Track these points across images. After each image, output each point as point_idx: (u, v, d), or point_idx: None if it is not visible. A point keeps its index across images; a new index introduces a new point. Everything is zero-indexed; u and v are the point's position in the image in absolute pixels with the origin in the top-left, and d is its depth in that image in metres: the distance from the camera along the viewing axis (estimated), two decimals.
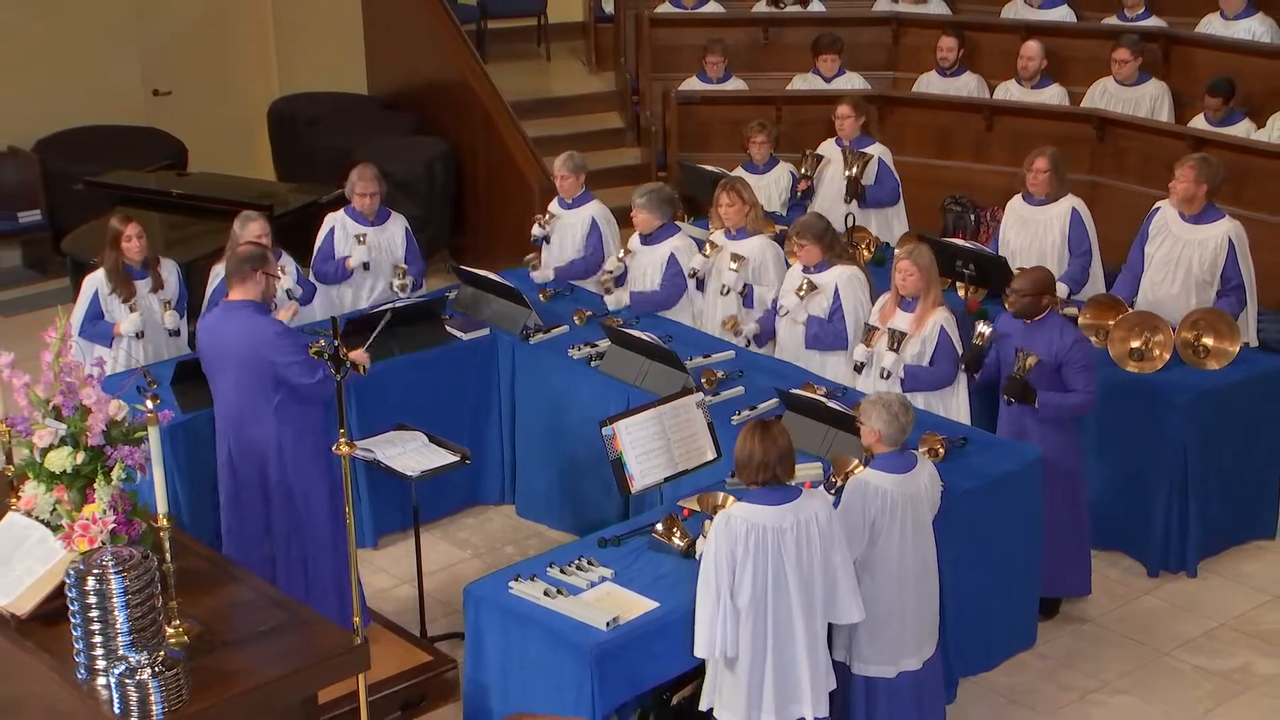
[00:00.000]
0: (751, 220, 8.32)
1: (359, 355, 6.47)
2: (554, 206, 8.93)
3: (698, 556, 5.83)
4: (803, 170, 9.63)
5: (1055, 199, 8.43)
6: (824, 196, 9.55)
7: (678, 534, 6.09)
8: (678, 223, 8.68)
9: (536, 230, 8.88)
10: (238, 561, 6.59)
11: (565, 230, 8.82)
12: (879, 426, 5.95)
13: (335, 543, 6.65)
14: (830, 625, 5.81)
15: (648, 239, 8.43)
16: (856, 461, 6.22)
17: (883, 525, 5.90)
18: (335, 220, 8.66)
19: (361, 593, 6.35)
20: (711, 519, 5.84)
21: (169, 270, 8.06)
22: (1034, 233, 8.48)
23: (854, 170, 9.26)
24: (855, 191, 9.29)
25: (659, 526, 6.15)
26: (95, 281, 7.88)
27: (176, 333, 8.03)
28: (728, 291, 8.15)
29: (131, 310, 7.82)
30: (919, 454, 6.17)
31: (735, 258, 8.15)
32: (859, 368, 7.44)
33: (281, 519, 6.64)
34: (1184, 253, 8.01)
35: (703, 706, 5.74)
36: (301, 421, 6.54)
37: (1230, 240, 7.93)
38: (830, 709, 5.84)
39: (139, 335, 7.82)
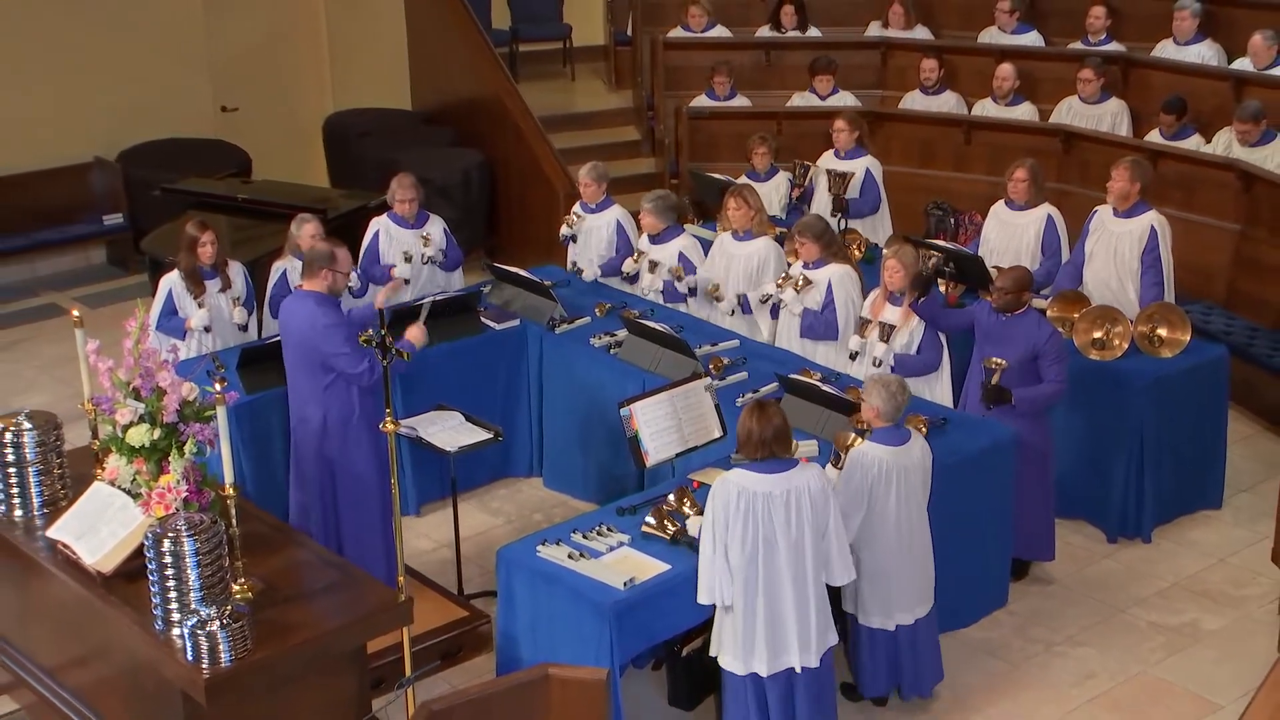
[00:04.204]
0: (757, 223, 8.31)
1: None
2: (578, 209, 8.91)
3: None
4: (794, 178, 9.61)
5: (1033, 206, 8.37)
6: (819, 203, 9.52)
7: (688, 503, 6.08)
8: (683, 225, 8.69)
9: (564, 230, 8.86)
10: (298, 524, 6.64)
11: (591, 231, 8.79)
12: (878, 404, 5.97)
13: (384, 511, 6.67)
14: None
15: (656, 239, 8.43)
16: (854, 435, 6.22)
17: (879, 492, 5.92)
18: (380, 225, 8.63)
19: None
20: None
21: (236, 272, 8.06)
22: (1012, 235, 8.43)
23: (838, 190, 9.21)
24: (840, 206, 9.25)
25: (670, 498, 6.14)
26: (170, 281, 7.90)
27: (244, 327, 8.04)
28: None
29: (200, 307, 7.84)
30: (913, 429, 6.15)
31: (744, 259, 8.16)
32: (853, 356, 7.44)
33: (338, 489, 6.66)
34: (1117, 245, 7.98)
35: (711, 653, 5.75)
36: (347, 403, 6.53)
37: (1153, 227, 7.91)
38: (846, 653, 6.00)
39: (207, 329, 7.84)
